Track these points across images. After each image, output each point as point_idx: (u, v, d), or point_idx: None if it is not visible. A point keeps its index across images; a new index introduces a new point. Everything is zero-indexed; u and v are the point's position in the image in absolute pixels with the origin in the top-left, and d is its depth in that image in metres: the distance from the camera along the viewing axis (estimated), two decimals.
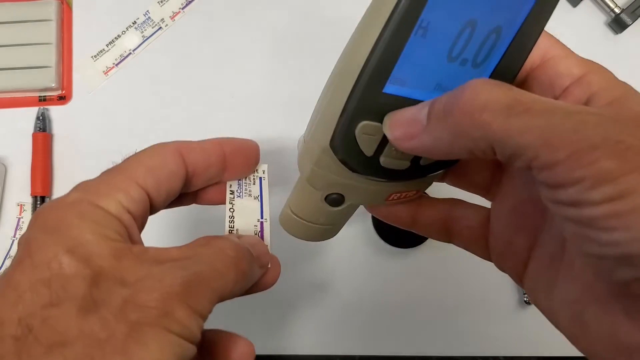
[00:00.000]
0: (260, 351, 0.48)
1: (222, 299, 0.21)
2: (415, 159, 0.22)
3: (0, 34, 0.51)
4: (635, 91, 0.19)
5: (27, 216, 0.49)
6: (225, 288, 0.21)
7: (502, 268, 0.25)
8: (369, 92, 0.20)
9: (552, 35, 0.21)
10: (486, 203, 0.26)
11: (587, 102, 0.19)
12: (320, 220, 0.26)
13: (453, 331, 0.48)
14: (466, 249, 0.26)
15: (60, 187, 0.50)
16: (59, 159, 0.50)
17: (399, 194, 0.25)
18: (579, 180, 0.15)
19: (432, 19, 0.18)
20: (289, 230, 0.27)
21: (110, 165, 0.23)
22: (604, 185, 0.15)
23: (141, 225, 0.23)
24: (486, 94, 0.17)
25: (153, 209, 0.23)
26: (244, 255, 0.23)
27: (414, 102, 0.20)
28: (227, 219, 0.26)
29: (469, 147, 0.18)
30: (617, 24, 0.52)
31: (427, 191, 0.26)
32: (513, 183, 0.24)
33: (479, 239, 0.25)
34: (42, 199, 0.49)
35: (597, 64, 0.20)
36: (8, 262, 0.48)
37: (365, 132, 0.21)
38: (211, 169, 0.25)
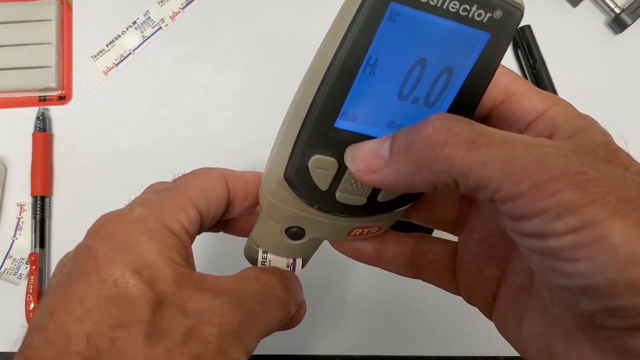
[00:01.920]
0: (260, 351, 0.47)
1: (265, 336, 0.21)
2: (372, 195, 0.22)
3: (0, 34, 0.51)
4: (596, 123, 0.19)
5: (27, 216, 0.49)
6: (271, 327, 0.21)
7: (471, 302, 0.25)
8: (319, 126, 0.19)
9: (511, 71, 0.21)
10: (453, 239, 0.26)
11: (550, 136, 0.19)
12: (283, 253, 0.26)
13: (453, 331, 0.48)
14: (434, 284, 0.26)
15: (60, 187, 0.49)
16: (59, 159, 0.50)
17: (360, 230, 0.24)
18: (542, 211, 0.15)
19: (380, 57, 0.18)
20: (252, 263, 0.27)
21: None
22: (566, 216, 0.15)
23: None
24: (447, 128, 0.17)
25: (199, 231, 0.23)
26: (290, 295, 0.23)
27: (366, 137, 0.20)
28: (261, 252, 0.26)
29: (432, 181, 0.18)
30: (617, 24, 0.52)
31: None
32: (481, 215, 0.24)
33: (446, 273, 0.25)
34: (42, 199, 0.49)
35: (559, 97, 0.20)
36: (8, 262, 0.48)
37: (318, 166, 0.20)
38: (249, 199, 0.25)
